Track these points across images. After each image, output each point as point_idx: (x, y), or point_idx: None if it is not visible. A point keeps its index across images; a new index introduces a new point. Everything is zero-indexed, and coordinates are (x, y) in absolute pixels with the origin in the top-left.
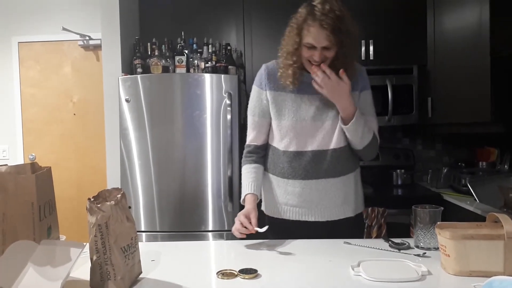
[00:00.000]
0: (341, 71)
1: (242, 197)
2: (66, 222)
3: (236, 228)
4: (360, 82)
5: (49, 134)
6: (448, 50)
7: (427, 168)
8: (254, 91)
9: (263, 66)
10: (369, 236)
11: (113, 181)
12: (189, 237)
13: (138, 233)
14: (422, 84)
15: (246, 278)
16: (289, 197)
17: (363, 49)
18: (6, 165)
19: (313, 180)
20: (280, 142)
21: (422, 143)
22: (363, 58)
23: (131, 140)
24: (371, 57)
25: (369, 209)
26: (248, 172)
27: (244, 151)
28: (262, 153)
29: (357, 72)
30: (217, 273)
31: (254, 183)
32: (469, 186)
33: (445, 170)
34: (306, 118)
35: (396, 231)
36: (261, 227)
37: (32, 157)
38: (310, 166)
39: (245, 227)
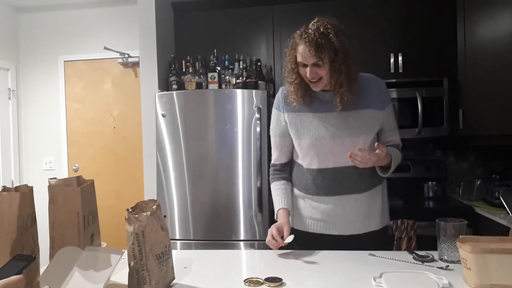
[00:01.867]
0: (376, 144)
1: (276, 213)
2: (106, 229)
3: (268, 240)
4: (382, 99)
5: (91, 146)
6: (480, 61)
7: (460, 180)
8: (274, 114)
9: (280, 89)
10: (398, 249)
11: (149, 191)
12: (221, 246)
13: (173, 241)
14: (452, 96)
15: (272, 286)
16: (313, 212)
17: (391, 61)
18: (56, 178)
19: (336, 196)
20: (303, 160)
21: (454, 155)
22: (392, 70)
23: (167, 152)
24: (400, 70)
25: (399, 221)
26: (278, 189)
27: (271, 170)
28: (288, 170)
29: (375, 88)
30: (244, 281)
31: (285, 199)
32: (502, 199)
33: (478, 183)
34: (325, 136)
35: (426, 243)
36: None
37: (75, 167)
38: (333, 183)
39: (276, 240)
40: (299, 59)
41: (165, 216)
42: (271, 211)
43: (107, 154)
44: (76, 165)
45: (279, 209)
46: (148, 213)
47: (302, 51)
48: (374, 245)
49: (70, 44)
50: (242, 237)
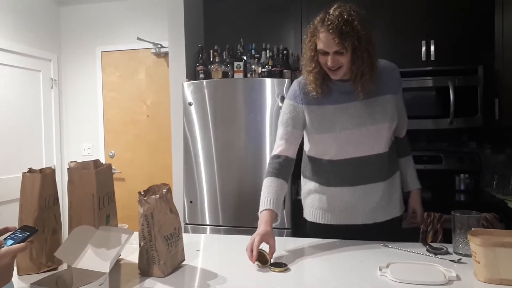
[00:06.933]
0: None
1: (260, 211)
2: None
3: (247, 247)
4: (397, 84)
5: (126, 133)
6: None
7: (495, 174)
8: (288, 105)
9: (295, 82)
10: (424, 242)
11: (177, 177)
12: (249, 232)
13: (203, 226)
14: (488, 85)
15: (276, 271)
16: (336, 204)
17: (423, 49)
18: (75, 161)
19: (360, 186)
20: (323, 153)
21: (491, 147)
22: (423, 58)
23: (196, 139)
24: (432, 58)
25: (425, 213)
26: (271, 186)
27: (273, 161)
28: (290, 168)
29: (391, 73)
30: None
31: (275, 199)
32: None
33: None
34: (349, 127)
35: None
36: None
37: (111, 154)
38: (358, 172)
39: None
40: (320, 46)
41: (191, 202)
42: (294, 200)
43: (141, 142)
44: (112, 151)
45: (265, 209)
46: (157, 196)
47: (324, 39)
48: (397, 232)
49: (107, 35)
50: None
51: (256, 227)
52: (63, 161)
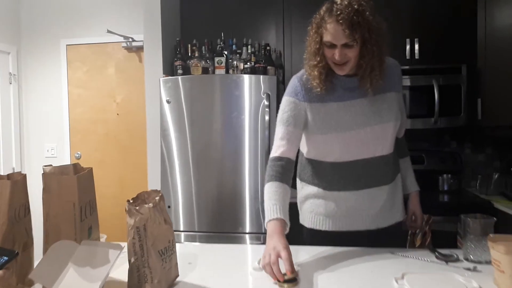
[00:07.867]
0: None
1: (268, 220)
2: (109, 220)
3: (272, 262)
4: (399, 81)
5: (94, 133)
6: (501, 48)
7: (476, 173)
8: (288, 102)
9: (295, 78)
10: (412, 244)
11: (153, 180)
12: (226, 238)
13: (177, 232)
14: (471, 84)
15: (286, 287)
16: (338, 209)
17: (407, 47)
18: (51, 165)
19: (365, 190)
20: (327, 155)
21: (471, 147)
22: (408, 57)
23: (171, 140)
24: (417, 56)
25: None
26: (277, 192)
27: (275, 164)
28: (292, 172)
29: (394, 70)
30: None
31: (282, 207)
32: None
33: (496, 176)
34: (354, 126)
35: (442, 239)
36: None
37: (78, 155)
38: (363, 175)
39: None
40: (327, 38)
41: (169, 207)
42: None
43: (110, 142)
44: (79, 152)
45: (274, 219)
46: (151, 205)
47: (332, 30)
48: (398, 237)
49: (73, 27)
50: (248, 230)
51: (237, 233)
52: (23, 163)
